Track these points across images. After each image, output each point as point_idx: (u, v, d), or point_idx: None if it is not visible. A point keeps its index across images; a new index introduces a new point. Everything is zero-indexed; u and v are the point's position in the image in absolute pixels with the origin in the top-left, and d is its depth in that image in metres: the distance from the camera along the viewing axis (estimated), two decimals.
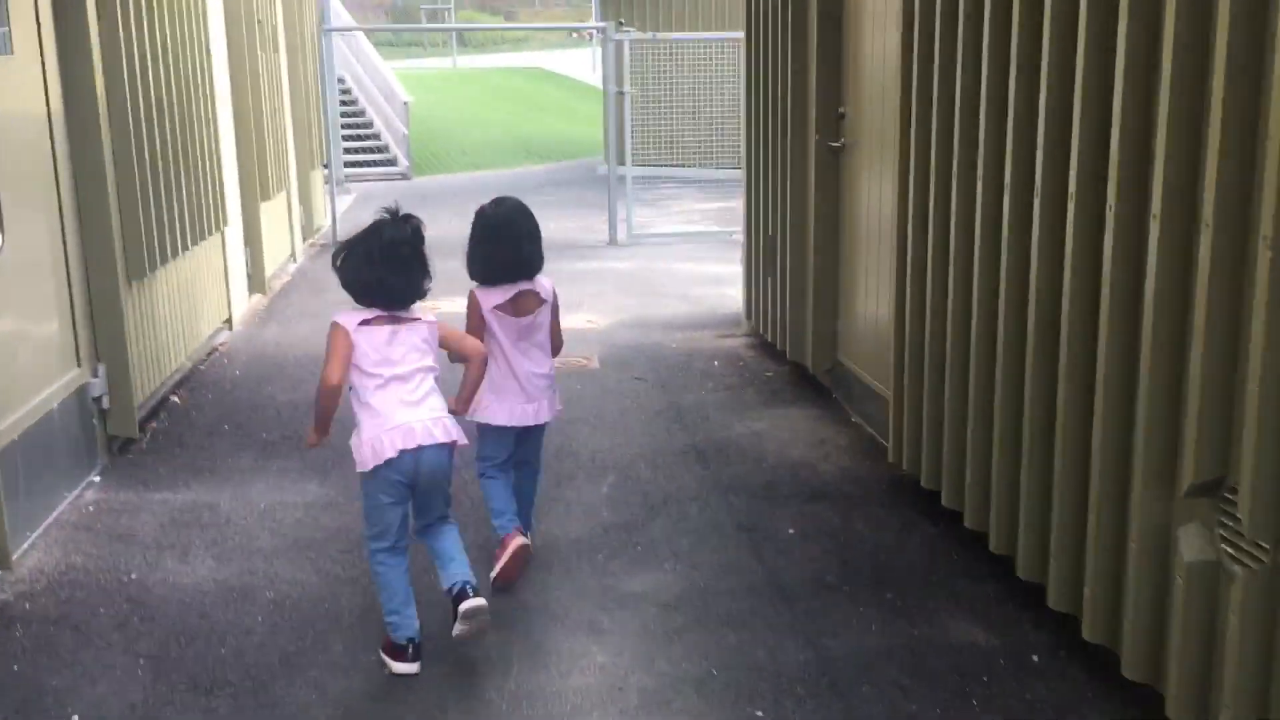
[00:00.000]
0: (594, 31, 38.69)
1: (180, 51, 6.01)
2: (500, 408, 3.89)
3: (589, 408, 5.92)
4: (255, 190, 8.10)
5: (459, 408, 3.55)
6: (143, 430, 5.44)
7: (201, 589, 3.88)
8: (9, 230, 4.08)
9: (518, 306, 3.84)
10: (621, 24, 11.05)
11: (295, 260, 9.88)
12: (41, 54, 4.52)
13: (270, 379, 6.43)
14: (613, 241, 11.36)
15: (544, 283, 3.92)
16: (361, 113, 20.28)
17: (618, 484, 4.87)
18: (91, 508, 4.58)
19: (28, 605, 3.74)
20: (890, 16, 4.83)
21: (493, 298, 3.81)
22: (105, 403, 4.97)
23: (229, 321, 7.29)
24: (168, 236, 5.64)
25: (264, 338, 7.42)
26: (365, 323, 3.32)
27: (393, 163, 18.91)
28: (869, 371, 5.40)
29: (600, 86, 29.59)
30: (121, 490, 4.77)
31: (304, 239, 10.70)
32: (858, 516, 4.48)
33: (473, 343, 3.59)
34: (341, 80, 21.24)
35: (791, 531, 4.35)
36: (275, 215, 8.95)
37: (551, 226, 12.96)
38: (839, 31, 5.52)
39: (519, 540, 3.89)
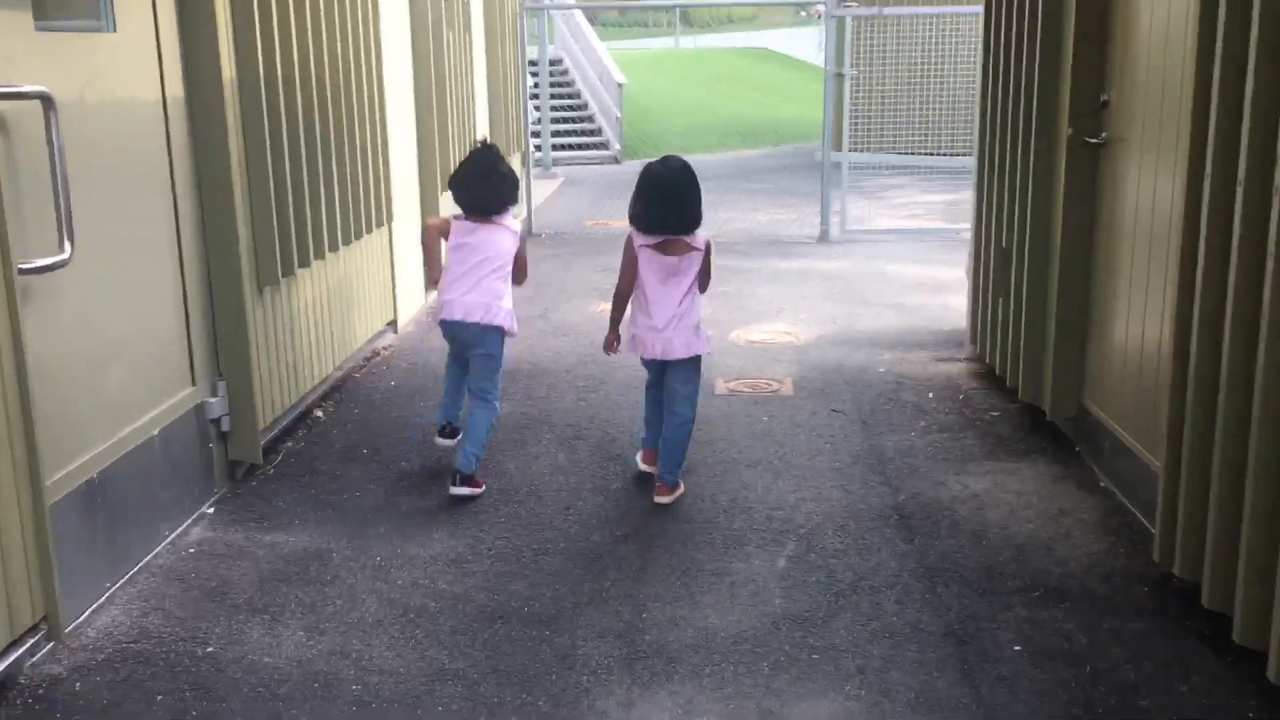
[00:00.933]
0: (821, 7, 37.31)
1: (338, 28, 5.44)
2: (634, 341, 4.40)
3: (774, 447, 5.03)
4: (436, 179, 7.56)
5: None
6: (275, 451, 4.92)
7: (280, 675, 3.24)
8: (94, 236, 3.53)
9: (666, 248, 4.28)
10: None
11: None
12: (157, 30, 3.98)
13: (424, 392, 5.84)
14: (824, 238, 10.36)
15: (699, 235, 4.32)
16: (577, 94, 19.87)
17: (798, 557, 3.97)
18: (193, 550, 4.04)
19: (78, 685, 3.19)
20: None
21: (646, 239, 4.29)
22: (225, 425, 4.44)
23: (394, 324, 6.76)
24: (312, 236, 5.08)
25: (431, 342, 6.86)
26: (459, 217, 4.57)
27: (604, 146, 18.39)
28: (1127, 425, 4.29)
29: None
30: (231, 528, 4.22)
31: None
32: (1108, 633, 3.43)
33: (521, 267, 4.70)
34: (559, 61, 20.94)
35: (1017, 648, 3.35)
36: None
37: (760, 218, 12.19)
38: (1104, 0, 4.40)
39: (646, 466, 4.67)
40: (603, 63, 18.92)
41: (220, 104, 4.22)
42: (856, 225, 10.66)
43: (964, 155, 14.12)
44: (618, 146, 18.09)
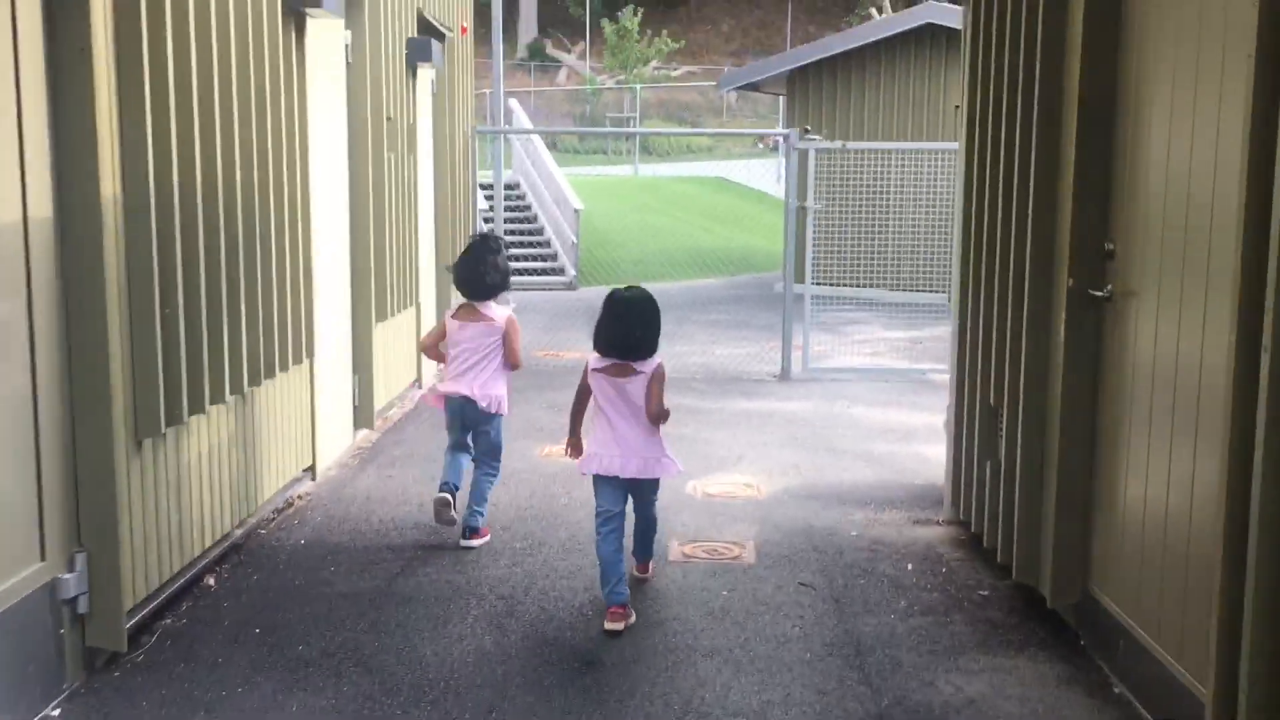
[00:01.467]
0: (778, 140, 37.75)
1: (255, 143, 4.89)
2: (588, 458, 4.52)
3: (734, 630, 4.36)
4: (370, 309, 6.97)
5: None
6: (149, 631, 4.18)
7: None
8: None
9: (614, 371, 4.47)
10: (807, 131, 9.67)
11: (421, 385, 8.73)
12: (21, 138, 3.39)
13: (338, 554, 5.13)
14: (785, 375, 9.85)
15: (649, 362, 4.47)
16: (533, 218, 19.56)
17: None
18: None
19: None
20: (1206, 99, 3.25)
21: (598, 362, 4.52)
22: (83, 605, 3.72)
23: (312, 469, 6.08)
24: (210, 377, 4.44)
25: (354, 489, 6.18)
26: (452, 314, 5.30)
27: (560, 272, 17.98)
28: (1145, 622, 3.68)
29: (782, 197, 28.44)
30: None
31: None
32: None
33: (513, 353, 5.33)
34: (515, 185, 20.69)
35: None
36: (398, 335, 7.81)
37: (719, 353, 11.66)
38: (1108, 131, 3.95)
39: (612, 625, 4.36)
40: (560, 188, 18.66)
41: (97, 225, 3.62)
42: (818, 362, 10.18)
43: (927, 292, 13.85)
44: (573, 273, 17.69)
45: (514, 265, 17.43)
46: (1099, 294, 3.96)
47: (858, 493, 6.31)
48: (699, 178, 30.36)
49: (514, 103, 22.83)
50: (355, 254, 6.87)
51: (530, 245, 18.69)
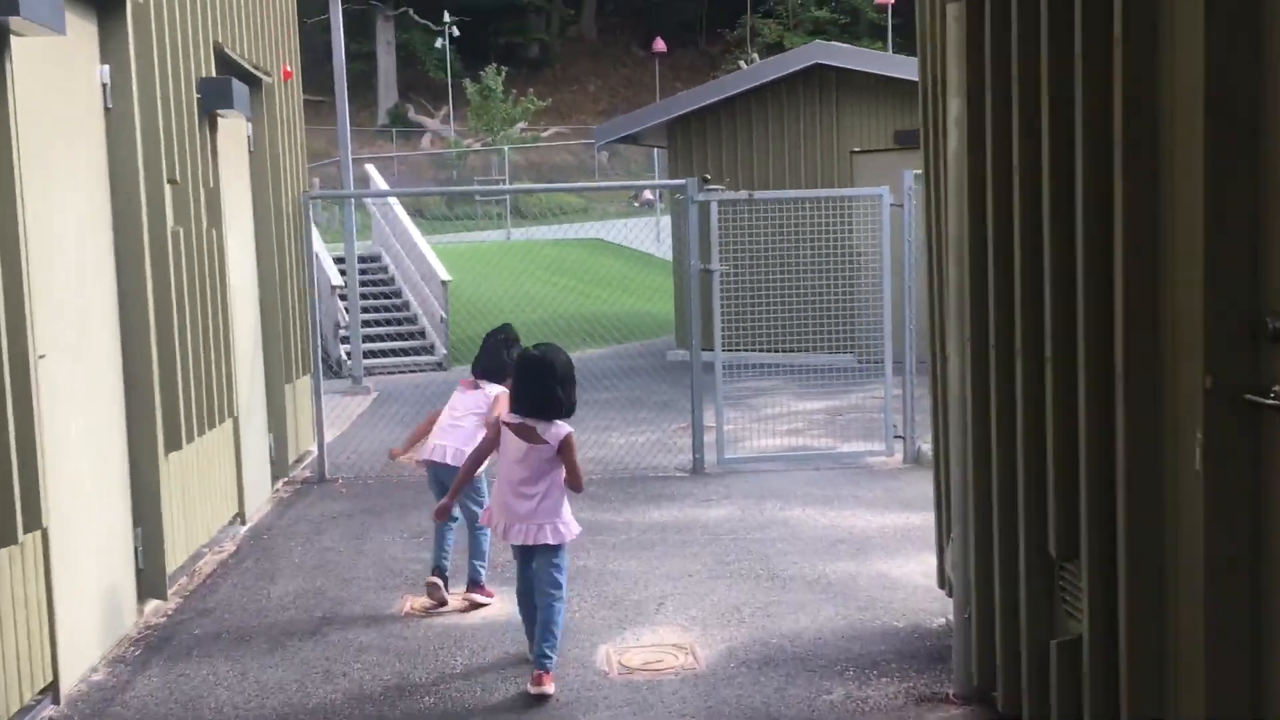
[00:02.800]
0: (652, 199, 36.60)
1: None
2: (493, 519, 4.52)
3: None
4: (154, 437, 5.16)
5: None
6: None
7: None
8: None
9: (520, 431, 4.40)
10: (707, 180, 8.21)
11: (244, 522, 6.86)
12: None
13: None
14: (698, 470, 8.26)
15: (554, 430, 4.37)
16: (398, 293, 17.73)
17: None
18: None
19: None
20: None
21: (509, 416, 4.47)
22: None
23: (51, 688, 4.20)
24: None
25: (124, 708, 4.33)
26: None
27: (428, 350, 16.18)
28: None
29: (664, 257, 27.06)
30: None
31: (274, 479, 7.74)
32: None
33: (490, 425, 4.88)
34: (376, 258, 18.85)
35: None
36: (203, 463, 5.98)
37: (616, 442, 9.84)
38: (1254, 145, 2.48)
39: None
40: (425, 259, 16.91)
41: None
42: (735, 449, 8.63)
43: (834, 353, 12.49)
44: (443, 351, 15.91)
45: (377, 347, 15.65)
46: (1262, 399, 2.46)
47: (826, 649, 4.71)
48: (577, 240, 28.91)
49: (371, 168, 21.08)
50: (128, 364, 5.07)
51: (395, 323, 16.85)
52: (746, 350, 11.35)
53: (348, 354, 14.86)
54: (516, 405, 4.42)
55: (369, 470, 8.48)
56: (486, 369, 5.46)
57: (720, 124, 14.51)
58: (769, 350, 10.43)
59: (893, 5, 36.83)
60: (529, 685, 4.28)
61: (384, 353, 15.54)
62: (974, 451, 3.67)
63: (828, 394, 11.16)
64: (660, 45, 43.63)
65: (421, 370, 15.46)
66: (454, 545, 5.55)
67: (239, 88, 6.19)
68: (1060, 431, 3.09)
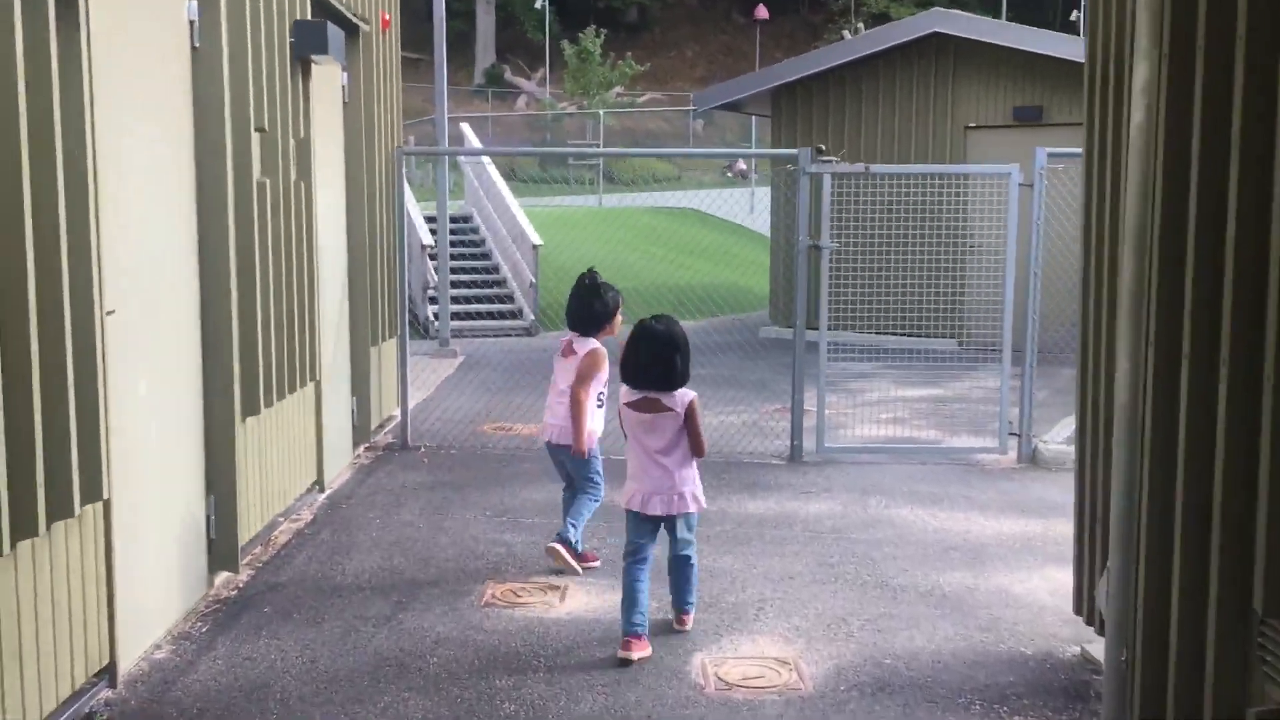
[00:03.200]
0: (746, 170, 35.89)
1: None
2: (628, 493, 4.52)
3: None
4: (231, 401, 4.86)
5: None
6: None
7: None
8: None
9: (642, 405, 4.42)
10: (821, 151, 7.70)
11: (323, 489, 6.58)
12: None
13: None
14: (796, 458, 7.80)
15: (678, 396, 4.41)
16: (488, 255, 17.45)
17: None
18: None
19: None
20: None
21: (628, 395, 4.47)
22: None
23: (110, 670, 3.93)
24: None
25: (187, 687, 4.04)
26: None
27: (517, 314, 15.88)
28: None
29: (757, 230, 26.46)
30: None
31: (356, 444, 7.46)
32: None
33: (578, 383, 5.24)
34: (468, 218, 18.58)
35: None
36: (281, 430, 5.68)
37: (711, 423, 9.03)
38: None
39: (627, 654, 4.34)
40: (516, 221, 16.58)
41: None
42: (835, 438, 8.14)
43: (938, 337, 11.88)
44: (531, 317, 15.60)
45: (465, 309, 15.37)
46: None
47: (947, 675, 4.25)
48: (669, 209, 28.41)
49: (466, 127, 20.78)
50: (207, 322, 4.77)
51: (485, 285, 16.59)
52: (848, 331, 10.81)
53: (435, 315, 14.62)
54: (635, 379, 4.43)
55: (452, 439, 8.17)
56: (576, 318, 5.43)
57: (829, 93, 13.89)
58: (871, 332, 9.89)
59: None
60: (674, 624, 4.64)
61: (473, 315, 15.27)
62: (1152, 478, 3.16)
63: (932, 381, 10.60)
64: (762, 12, 42.71)
65: (510, 335, 15.16)
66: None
67: (334, 32, 5.84)
68: (1278, 467, 2.58)
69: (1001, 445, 7.91)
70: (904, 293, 9.49)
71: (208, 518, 4.83)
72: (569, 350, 5.43)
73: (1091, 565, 4.27)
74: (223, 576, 4.99)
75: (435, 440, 8.14)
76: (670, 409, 4.38)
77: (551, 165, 34.89)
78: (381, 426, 8.12)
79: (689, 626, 4.63)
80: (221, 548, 4.87)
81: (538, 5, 43.15)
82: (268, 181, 5.23)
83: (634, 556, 4.46)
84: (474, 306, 15.35)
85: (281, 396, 5.47)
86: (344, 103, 7.08)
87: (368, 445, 7.76)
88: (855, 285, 9.11)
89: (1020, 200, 7.76)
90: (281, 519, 5.83)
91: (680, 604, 4.65)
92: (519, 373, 10.99)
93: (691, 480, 4.47)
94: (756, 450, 8.01)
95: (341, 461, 7.06)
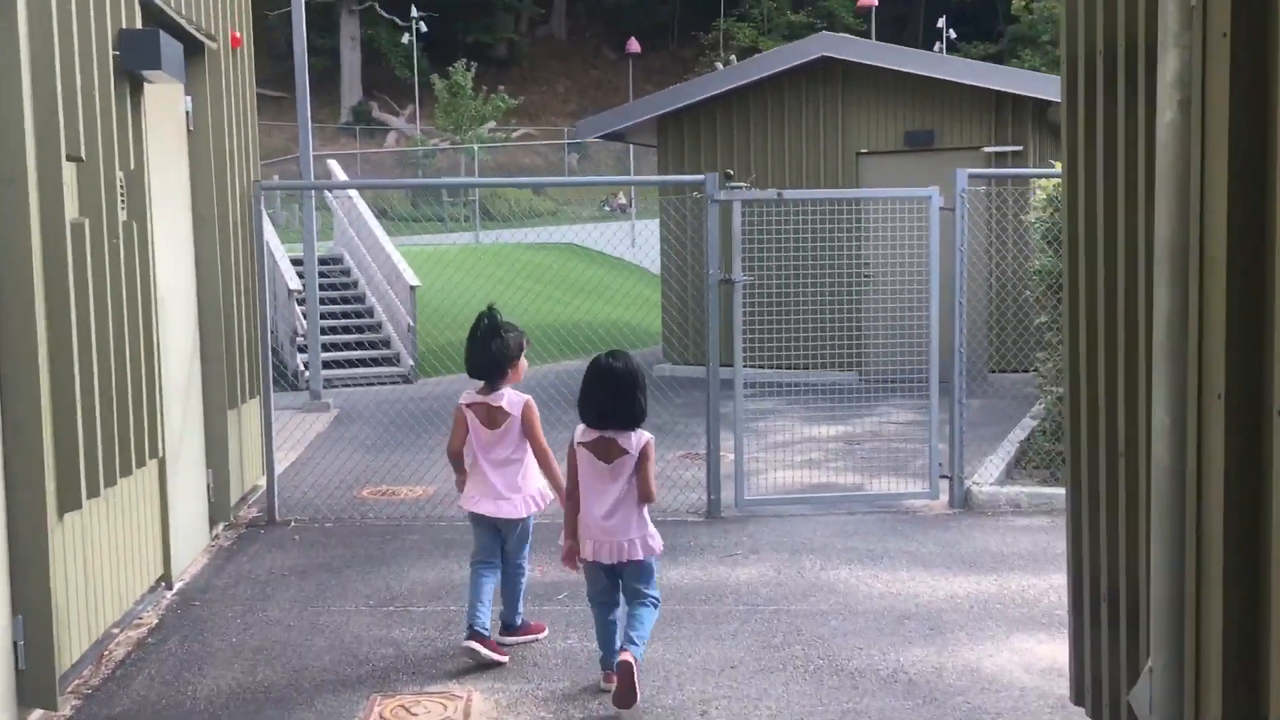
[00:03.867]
0: (625, 203, 35.37)
1: None
2: (582, 541, 4.32)
3: None
4: (41, 500, 3.89)
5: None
6: None
7: None
8: None
9: (599, 449, 4.24)
10: (730, 176, 7.05)
11: (170, 585, 5.58)
12: None
13: None
14: (714, 514, 7.08)
15: (634, 437, 4.24)
16: (361, 298, 16.41)
17: None
18: None
19: None
20: None
21: (583, 435, 4.28)
22: None
23: None
24: None
25: None
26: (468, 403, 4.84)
27: (394, 360, 14.89)
28: None
29: (639, 263, 25.85)
30: None
31: (214, 523, 6.46)
32: None
33: (536, 438, 4.75)
34: (338, 259, 17.51)
35: None
36: (119, 517, 4.70)
37: None
38: None
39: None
40: (391, 261, 15.62)
41: None
42: (753, 490, 7.44)
43: (836, 369, 11.36)
44: (410, 363, 14.63)
45: (338, 357, 14.31)
46: None
47: None
48: (548, 244, 27.66)
49: (334, 164, 19.71)
50: (7, 400, 3.81)
51: (359, 330, 15.56)
52: (750, 367, 10.16)
53: (306, 365, 13.56)
54: (593, 419, 4.26)
55: (327, 509, 7.22)
56: (480, 364, 4.70)
57: (716, 121, 13.36)
58: (774, 367, 9.25)
59: (875, 9, 35.92)
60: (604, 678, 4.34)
61: (347, 363, 14.22)
62: (1227, 563, 2.50)
63: (836, 417, 10.01)
64: (634, 46, 42.52)
65: (387, 383, 14.16)
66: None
67: (170, 46, 4.93)
68: None
69: (932, 489, 7.33)
70: (805, 325, 8.90)
71: (15, 644, 3.84)
72: (490, 411, 4.70)
73: (1095, 645, 3.62)
74: (37, 716, 4.00)
75: (307, 511, 7.18)
76: (626, 450, 4.22)
77: (425, 202, 33.83)
78: (245, 499, 7.12)
79: (631, 659, 4.12)
80: (35, 680, 3.89)
81: (404, 40, 42.13)
82: (87, 221, 4.29)
83: (598, 601, 4.38)
84: (347, 354, 14.30)
85: (113, 482, 4.50)
86: (189, 130, 6.14)
87: (229, 523, 6.76)
88: (760, 319, 8.48)
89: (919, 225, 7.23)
90: (118, 629, 4.83)
91: (626, 638, 4.24)
92: (398, 427, 10.05)
93: (644, 525, 4.26)
94: (670, 505, 7.26)
95: (195, 546, 6.06)
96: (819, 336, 8.80)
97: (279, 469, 7.56)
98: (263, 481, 7.11)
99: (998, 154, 12.22)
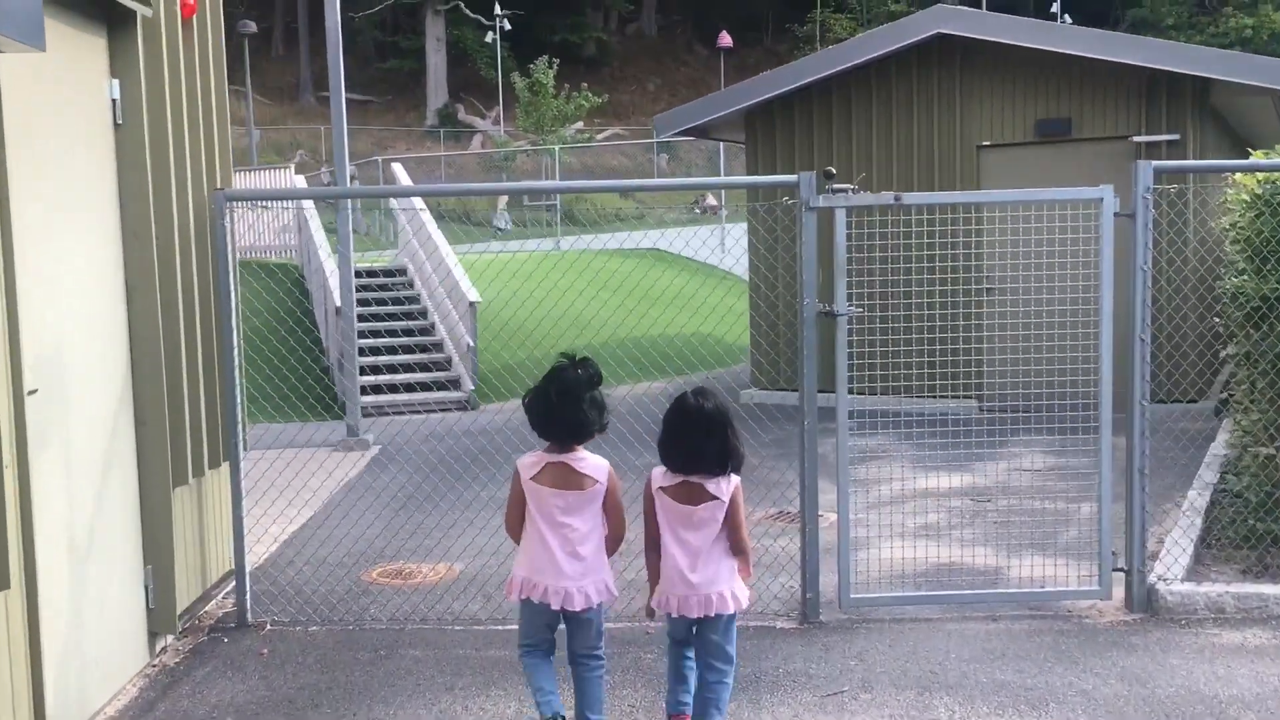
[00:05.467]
0: (716, 205, 33.64)
1: None
2: (658, 595, 4.00)
3: None
4: None
5: None
6: None
7: None
8: None
9: (682, 493, 3.91)
10: (831, 175, 5.36)
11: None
12: None
13: None
14: (811, 616, 5.40)
15: (727, 483, 3.90)
16: (424, 314, 15.01)
17: None
18: None
19: None
20: None
21: (664, 480, 3.95)
22: None
23: None
24: None
25: None
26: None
27: (454, 384, 13.44)
28: None
29: (730, 270, 24.11)
30: None
31: (155, 636, 4.98)
32: None
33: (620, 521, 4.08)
34: (403, 271, 16.17)
35: None
36: None
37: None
38: None
39: None
40: (451, 275, 14.18)
41: None
42: (861, 575, 5.71)
43: (953, 398, 9.58)
44: (470, 387, 13.17)
45: (391, 380, 12.89)
46: None
47: None
48: (632, 251, 26.08)
49: (398, 168, 18.39)
50: None
51: (419, 350, 14.16)
52: (859, 394, 8.40)
53: (332, 397, 12.21)
54: (677, 463, 3.91)
55: (319, 603, 5.71)
56: (564, 425, 3.93)
57: (812, 112, 11.62)
58: (876, 392, 7.44)
59: None
60: None
61: (403, 387, 12.82)
62: None
63: (956, 460, 8.20)
64: (726, 40, 40.75)
65: (443, 410, 12.71)
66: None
67: (26, 3, 3.43)
68: None
69: (1102, 585, 5.53)
70: (916, 345, 7.17)
71: None
72: (569, 474, 3.93)
73: None
74: None
75: (294, 605, 5.68)
76: (715, 496, 3.90)
77: (509, 207, 32.54)
78: (212, 593, 5.64)
79: None
80: None
81: (489, 39, 41.02)
82: None
83: (677, 638, 4.05)
84: (405, 378, 12.87)
85: None
86: (115, 124, 4.67)
87: (185, 629, 5.28)
88: (862, 337, 6.76)
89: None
90: None
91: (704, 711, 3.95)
92: (444, 470, 8.51)
93: (731, 575, 3.93)
94: (754, 593, 5.57)
95: (122, 674, 4.58)
96: (932, 358, 7.06)
97: (291, 529, 6.10)
98: (255, 557, 5.61)
99: (1149, 144, 10.28)
